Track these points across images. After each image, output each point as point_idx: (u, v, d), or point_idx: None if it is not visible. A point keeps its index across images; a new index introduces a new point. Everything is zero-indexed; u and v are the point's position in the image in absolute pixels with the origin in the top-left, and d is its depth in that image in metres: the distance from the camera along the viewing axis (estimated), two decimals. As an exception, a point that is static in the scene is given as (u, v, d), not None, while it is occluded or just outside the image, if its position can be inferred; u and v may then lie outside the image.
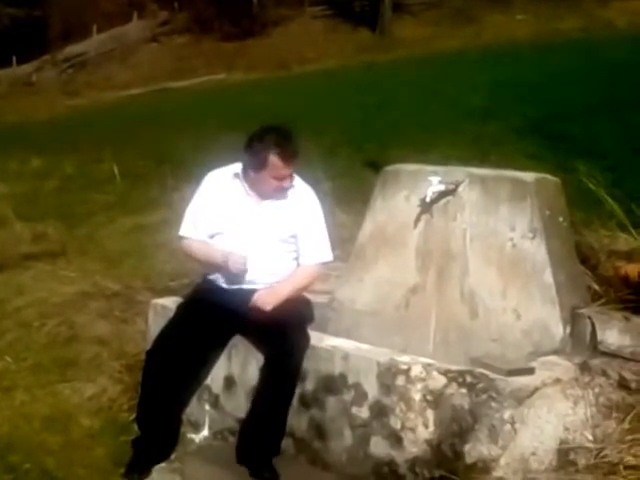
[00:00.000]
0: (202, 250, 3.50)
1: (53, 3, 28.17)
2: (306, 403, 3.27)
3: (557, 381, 2.99)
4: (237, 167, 3.51)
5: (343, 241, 4.16)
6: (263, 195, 3.45)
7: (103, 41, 26.97)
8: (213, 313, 3.37)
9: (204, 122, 10.74)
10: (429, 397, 2.98)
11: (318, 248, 3.49)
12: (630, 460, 2.80)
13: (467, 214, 3.50)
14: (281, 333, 3.26)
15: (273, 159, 3.32)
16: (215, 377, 3.54)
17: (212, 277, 3.51)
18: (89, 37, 27.02)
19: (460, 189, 3.52)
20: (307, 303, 3.69)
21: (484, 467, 2.84)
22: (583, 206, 4.26)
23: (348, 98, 11.68)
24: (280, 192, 3.43)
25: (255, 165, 3.37)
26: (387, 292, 3.69)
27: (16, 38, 25.55)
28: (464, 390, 2.91)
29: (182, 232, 3.56)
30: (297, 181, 3.51)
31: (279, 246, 3.45)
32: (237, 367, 3.48)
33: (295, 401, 3.28)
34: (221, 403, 3.53)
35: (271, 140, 3.33)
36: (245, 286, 3.44)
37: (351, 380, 3.15)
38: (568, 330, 3.27)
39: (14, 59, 26.87)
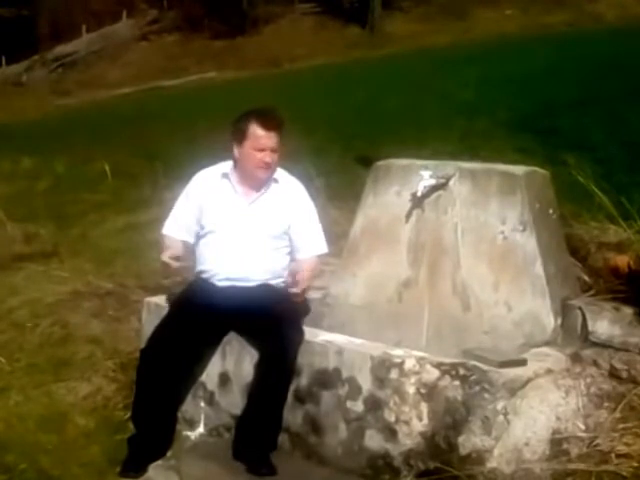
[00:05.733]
0: (163, 248, 3.53)
1: (42, 3, 28.08)
2: (301, 398, 3.29)
3: (549, 372, 3.02)
4: (225, 166, 3.54)
5: (336, 237, 4.16)
6: (250, 179, 3.46)
7: (93, 40, 26.91)
8: (207, 310, 3.37)
9: (195, 121, 10.72)
10: (423, 390, 3.00)
11: (315, 241, 3.52)
12: (622, 449, 2.83)
13: (458, 208, 3.52)
14: (275, 329, 3.28)
15: (253, 127, 3.39)
16: (210, 374, 3.55)
17: (205, 275, 3.52)
18: (78, 36, 26.94)
19: (451, 183, 3.54)
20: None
21: (478, 458, 2.86)
22: (573, 199, 4.28)
23: (338, 95, 11.69)
24: (263, 170, 3.42)
25: (237, 139, 3.43)
26: (380, 286, 3.71)
27: (5, 38, 25.45)
28: (457, 382, 2.93)
29: (164, 230, 3.60)
30: (285, 176, 3.54)
31: (271, 242, 3.47)
32: (231, 364, 3.49)
33: (290, 396, 3.29)
34: (216, 400, 3.54)
35: (251, 112, 3.44)
36: (238, 283, 3.45)
37: (345, 374, 3.17)
38: (559, 321, 3.30)
39: (3, 59, 26.80)
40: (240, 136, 3.42)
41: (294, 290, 3.34)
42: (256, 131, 3.39)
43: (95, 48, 26.65)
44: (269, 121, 3.41)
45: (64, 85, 24.17)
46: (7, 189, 8.75)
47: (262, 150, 3.39)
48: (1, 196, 8.15)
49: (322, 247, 3.57)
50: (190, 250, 3.59)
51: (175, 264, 3.36)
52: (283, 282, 3.55)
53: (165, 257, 3.36)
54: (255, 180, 3.47)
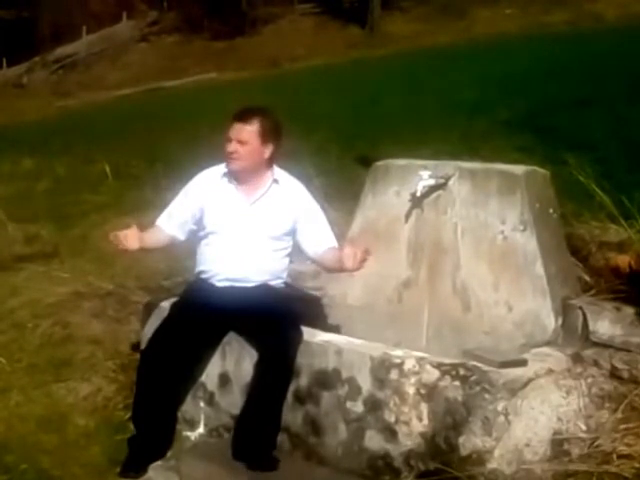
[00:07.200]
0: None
1: (42, 5, 28.08)
2: (300, 398, 3.28)
3: (550, 372, 3.01)
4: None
5: (335, 237, 4.16)
6: (239, 181, 3.48)
7: (93, 42, 26.90)
8: (206, 311, 3.37)
9: (196, 121, 10.72)
10: (423, 390, 2.99)
11: (329, 234, 3.51)
12: (623, 449, 2.82)
13: (458, 208, 3.52)
14: (275, 329, 3.28)
15: (230, 120, 3.43)
16: (210, 374, 3.55)
17: (205, 275, 3.52)
18: (79, 38, 26.94)
19: (450, 183, 3.54)
20: (300, 299, 3.71)
21: (478, 459, 2.86)
22: (573, 198, 4.28)
23: (338, 95, 11.67)
24: (228, 160, 3.44)
25: None
26: (379, 287, 3.71)
27: (5, 40, 25.46)
28: (457, 383, 2.93)
29: (157, 221, 3.61)
30: (285, 176, 3.53)
31: (271, 243, 3.47)
32: (231, 364, 3.49)
33: (289, 396, 3.29)
34: (216, 400, 3.54)
35: None
36: (237, 284, 3.45)
37: (345, 375, 3.17)
38: (560, 321, 3.30)
39: (4, 61, 26.81)
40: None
41: (353, 264, 3.24)
42: (230, 122, 3.43)
43: (95, 49, 26.65)
44: (239, 113, 3.43)
45: (64, 86, 24.16)
46: (8, 190, 8.75)
47: (228, 140, 3.42)
48: (2, 197, 8.15)
49: (334, 241, 3.53)
50: (171, 245, 3.62)
51: (123, 243, 3.35)
52: (282, 283, 3.55)
53: (123, 233, 3.35)
54: (231, 173, 3.47)
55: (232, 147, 3.40)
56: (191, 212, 3.52)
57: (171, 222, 3.55)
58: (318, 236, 3.48)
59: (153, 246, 3.56)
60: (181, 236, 3.56)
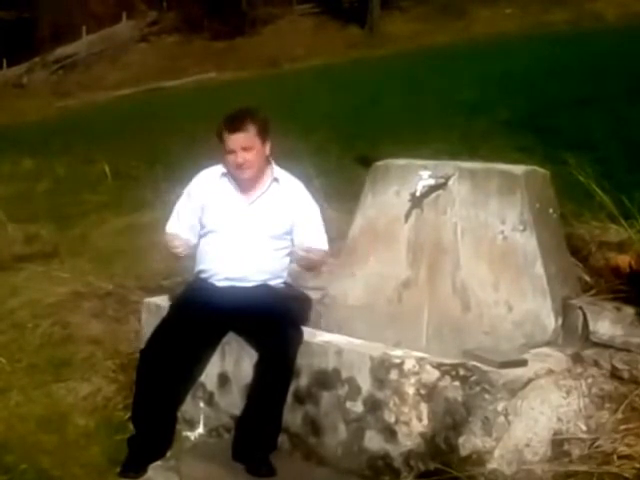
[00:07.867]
0: (167, 241, 3.57)
1: (42, 5, 28.08)
2: (300, 398, 3.28)
3: (550, 372, 3.01)
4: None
5: (334, 237, 4.16)
6: (238, 181, 3.47)
7: (93, 42, 26.90)
8: (206, 311, 3.37)
9: (195, 122, 10.71)
10: (422, 391, 2.99)
11: (320, 236, 3.51)
12: (624, 450, 2.82)
13: (457, 208, 3.51)
14: (275, 329, 3.27)
15: (222, 132, 3.42)
16: (209, 374, 3.55)
17: (205, 275, 3.52)
18: (79, 38, 26.94)
19: (450, 183, 3.53)
20: (300, 299, 3.71)
21: (478, 459, 2.86)
22: (573, 198, 4.26)
23: (338, 95, 11.68)
24: (240, 171, 3.43)
25: (221, 146, 3.45)
26: (379, 287, 3.70)
27: (6, 40, 25.47)
28: (457, 383, 2.92)
29: (167, 229, 3.61)
30: (285, 176, 3.53)
31: (271, 243, 3.47)
32: (231, 364, 3.48)
33: (289, 397, 3.29)
34: (215, 400, 3.54)
35: (224, 118, 3.46)
36: (237, 284, 3.45)
37: (345, 375, 3.16)
38: (560, 321, 3.29)
39: (4, 61, 26.82)
40: (220, 143, 3.45)
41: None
42: (224, 135, 3.42)
43: (95, 50, 26.65)
44: (232, 122, 3.42)
45: (64, 86, 24.16)
46: (8, 190, 8.75)
47: (232, 152, 3.41)
48: (2, 197, 8.16)
49: (323, 244, 3.54)
50: (190, 248, 3.59)
51: (177, 245, 3.42)
52: (282, 283, 3.55)
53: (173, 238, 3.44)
54: (241, 181, 3.47)
55: (241, 157, 3.39)
56: (196, 214, 3.52)
57: (182, 226, 3.55)
58: (309, 237, 3.49)
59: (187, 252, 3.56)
60: (193, 239, 3.56)
